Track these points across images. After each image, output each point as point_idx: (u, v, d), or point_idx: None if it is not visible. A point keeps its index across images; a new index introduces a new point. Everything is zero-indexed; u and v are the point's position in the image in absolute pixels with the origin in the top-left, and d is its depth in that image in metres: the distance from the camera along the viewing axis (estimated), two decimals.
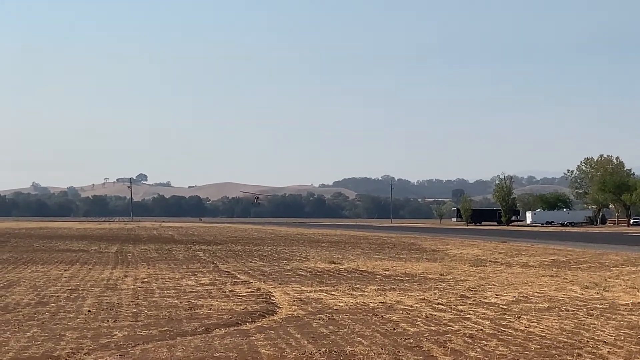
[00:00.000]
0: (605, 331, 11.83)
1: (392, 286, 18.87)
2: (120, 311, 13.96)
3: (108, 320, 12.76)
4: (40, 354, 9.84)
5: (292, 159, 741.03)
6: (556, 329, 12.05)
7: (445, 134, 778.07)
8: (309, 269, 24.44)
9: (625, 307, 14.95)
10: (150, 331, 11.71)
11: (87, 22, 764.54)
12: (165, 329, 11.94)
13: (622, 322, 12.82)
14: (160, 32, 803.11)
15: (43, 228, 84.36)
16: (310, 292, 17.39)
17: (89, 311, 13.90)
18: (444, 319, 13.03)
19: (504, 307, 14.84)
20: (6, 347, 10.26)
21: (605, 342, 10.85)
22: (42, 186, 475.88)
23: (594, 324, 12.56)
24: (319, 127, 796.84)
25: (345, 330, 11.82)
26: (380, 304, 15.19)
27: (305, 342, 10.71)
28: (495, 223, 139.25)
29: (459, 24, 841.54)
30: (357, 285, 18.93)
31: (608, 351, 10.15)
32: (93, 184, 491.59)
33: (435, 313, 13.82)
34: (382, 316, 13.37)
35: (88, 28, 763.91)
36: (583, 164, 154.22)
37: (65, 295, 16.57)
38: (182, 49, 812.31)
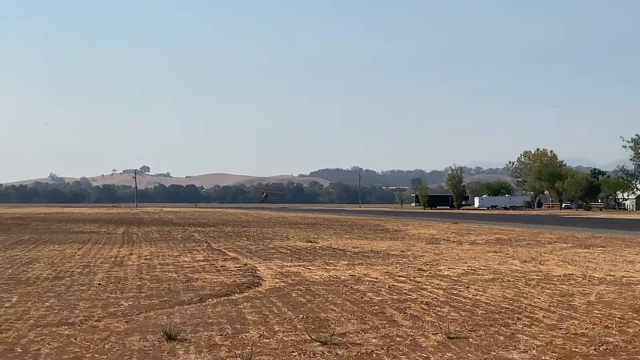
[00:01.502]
0: (540, 298, 11.94)
1: (360, 261, 18.90)
2: (126, 284, 13.85)
3: (116, 292, 12.65)
4: (57, 321, 9.75)
5: (275, 152, 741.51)
6: (499, 297, 12.14)
7: (406, 131, 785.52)
8: (289, 247, 24.40)
9: (558, 278, 15.11)
10: (152, 301, 11.63)
11: (96, 25, 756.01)
12: (165, 299, 11.87)
13: (555, 291, 12.95)
14: (161, 36, 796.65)
15: (59, 213, 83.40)
16: (290, 266, 17.37)
17: (99, 284, 13.78)
18: (404, 289, 13.08)
19: (455, 278, 14.92)
20: (27, 315, 10.17)
21: (540, 307, 10.96)
22: (58, 177, 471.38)
23: (531, 293, 12.67)
24: (298, 124, 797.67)
25: (320, 299, 11.82)
26: (350, 276, 15.20)
27: (286, 309, 10.70)
28: (448, 207, 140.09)
29: (419, 34, 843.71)
30: (330, 261, 18.94)
31: (543, 315, 10.24)
32: (103, 175, 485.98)
33: (396, 284, 13.87)
34: (351, 287, 13.38)
35: (96, 31, 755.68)
36: (522, 156, 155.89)
37: (79, 270, 16.41)
38: (181, 54, 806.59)
